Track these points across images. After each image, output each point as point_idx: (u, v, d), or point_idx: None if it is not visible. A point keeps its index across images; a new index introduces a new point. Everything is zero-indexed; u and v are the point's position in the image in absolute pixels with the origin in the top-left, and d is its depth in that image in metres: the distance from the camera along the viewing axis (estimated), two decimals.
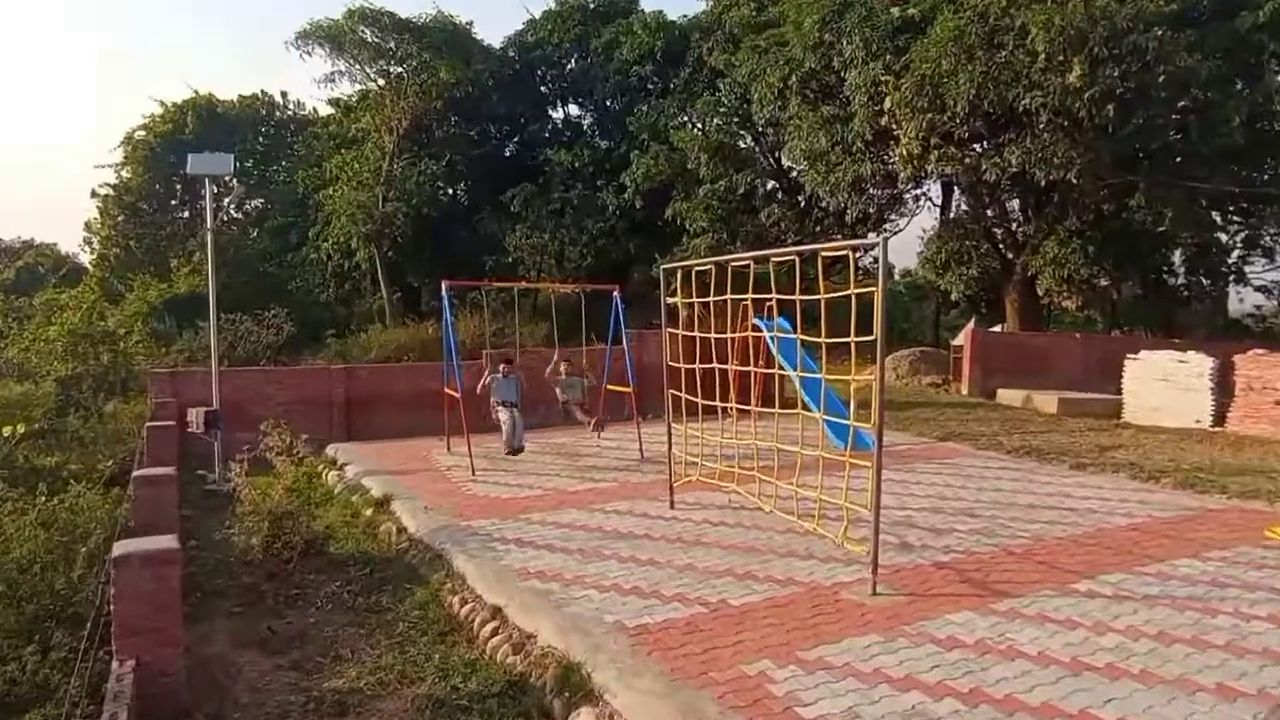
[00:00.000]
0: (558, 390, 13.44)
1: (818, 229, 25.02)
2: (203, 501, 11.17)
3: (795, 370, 11.64)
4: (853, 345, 6.99)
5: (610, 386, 14.33)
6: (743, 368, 9.03)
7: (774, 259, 7.77)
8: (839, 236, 25.38)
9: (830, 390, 13.93)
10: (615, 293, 13.52)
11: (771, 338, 13.00)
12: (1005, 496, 9.80)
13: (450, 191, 36.67)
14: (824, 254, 6.95)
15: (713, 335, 8.64)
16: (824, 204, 23.76)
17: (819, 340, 7.35)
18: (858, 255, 28.22)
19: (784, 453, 8.58)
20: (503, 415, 12.37)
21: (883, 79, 20.13)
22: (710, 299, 8.51)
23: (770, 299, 7.76)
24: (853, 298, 6.78)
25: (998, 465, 11.75)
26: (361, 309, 34.09)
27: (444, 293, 12.33)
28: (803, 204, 26.43)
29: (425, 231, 32.88)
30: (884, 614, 6.45)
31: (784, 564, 7.46)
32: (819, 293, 7.13)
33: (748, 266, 7.83)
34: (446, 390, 13.27)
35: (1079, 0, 17.49)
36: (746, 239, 25.38)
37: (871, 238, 25.53)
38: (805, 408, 11.43)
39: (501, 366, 12.73)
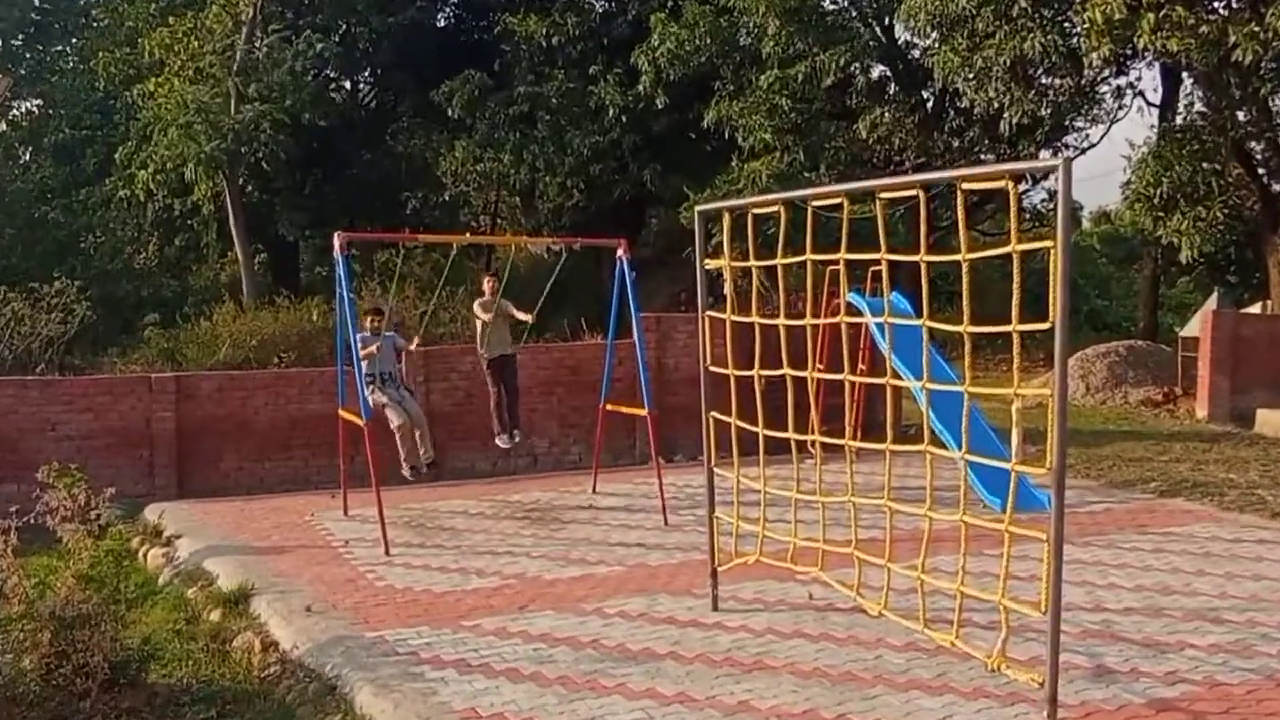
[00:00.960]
0: (482, 339, 14.28)
1: (954, 145, 24.98)
2: None
3: (919, 380, 11.59)
4: (1015, 338, 6.92)
5: (612, 406, 14.35)
6: (831, 375, 8.98)
7: (882, 194, 7.72)
8: (989, 157, 25.30)
9: (978, 412, 13.89)
10: (620, 251, 13.52)
11: (878, 325, 12.94)
12: (1271, 590, 9.71)
13: (348, 86, 36.98)
14: (965, 186, 6.90)
15: (780, 321, 8.59)
16: (964, 103, 23.66)
17: (957, 329, 7.29)
18: (1021, 188, 28.24)
19: (902, 517, 8.52)
20: (390, 414, 13.17)
21: None
22: (777, 261, 8.46)
23: (877, 260, 7.71)
24: (1014, 258, 6.72)
25: (1255, 537, 11.65)
26: (202, 280, 34.38)
27: (338, 253, 12.33)
28: (930, 103, 26.38)
29: (309, 152, 33.06)
30: None
31: (903, 702, 7.39)
32: (956, 250, 7.09)
33: (838, 208, 7.79)
34: (343, 414, 13.30)
35: None
36: (836, 162, 25.37)
37: (1045, 158, 25.40)
38: (936, 442, 11.38)
39: (368, 321, 13.56)
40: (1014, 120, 22.30)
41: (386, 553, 11.50)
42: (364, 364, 12.96)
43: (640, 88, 27.62)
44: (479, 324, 14.29)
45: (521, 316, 14.13)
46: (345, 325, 12.80)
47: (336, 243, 12.31)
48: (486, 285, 14.61)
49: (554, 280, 15.23)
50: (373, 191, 35.60)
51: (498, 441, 14.43)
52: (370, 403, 12.98)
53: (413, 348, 14.08)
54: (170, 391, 15.95)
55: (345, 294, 12.56)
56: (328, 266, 34.84)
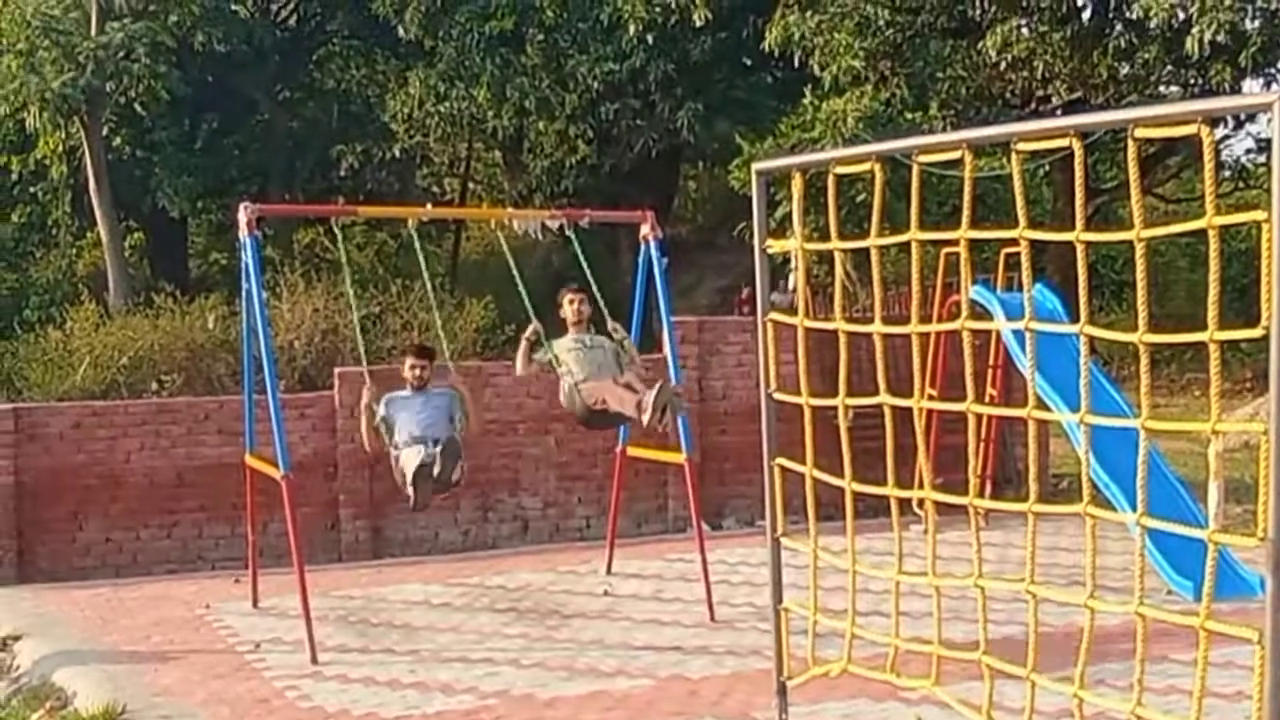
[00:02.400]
0: (573, 387, 12.49)
1: (1121, 72, 24.89)
2: None
3: (1074, 411, 11.55)
4: (1212, 350, 6.88)
5: (635, 450, 14.33)
6: (947, 405, 8.96)
7: (1021, 144, 7.69)
8: (1171, 90, 25.18)
9: (1159, 458, 13.82)
10: (645, 228, 13.52)
11: (1015, 334, 12.89)
12: None
13: None
14: (1140, 132, 6.88)
15: (876, 328, 8.57)
16: (1136, 11, 23.60)
17: (1129, 339, 7.26)
18: (1219, 134, 28.04)
19: (1051, 607, 8.48)
20: (406, 456, 11.91)
21: None
22: (870, 242, 8.45)
23: (1014, 240, 7.69)
24: (1210, 236, 6.69)
25: None
26: (51, 272, 34.44)
27: (243, 233, 12.36)
28: (1087, 12, 26.29)
29: (201, 90, 33.15)
30: None
31: None
32: (1126, 224, 7.08)
33: (957, 164, 7.78)
34: (251, 462, 13.31)
35: None
36: (953, 99, 25.30)
37: (1252, 92, 25.21)
38: (1099, 500, 11.34)
39: (407, 363, 12.56)
40: (1206, 37, 22.22)
41: (314, 660, 11.47)
42: (394, 429, 12.19)
43: None
44: (567, 379, 12.67)
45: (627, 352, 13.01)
46: (255, 324, 12.82)
47: (242, 218, 12.33)
48: (568, 307, 13.07)
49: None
50: (292, 145, 35.75)
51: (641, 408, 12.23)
52: (397, 466, 12.14)
53: (476, 425, 12.96)
54: (6, 430, 16.01)
55: (255, 291, 12.59)
56: (228, 252, 35.02)
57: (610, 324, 13.15)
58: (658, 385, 11.95)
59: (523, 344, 12.97)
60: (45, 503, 16.01)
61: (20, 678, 11.97)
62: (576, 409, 12.62)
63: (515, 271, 13.03)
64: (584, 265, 13.35)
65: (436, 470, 11.80)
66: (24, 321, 27.07)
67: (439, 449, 11.91)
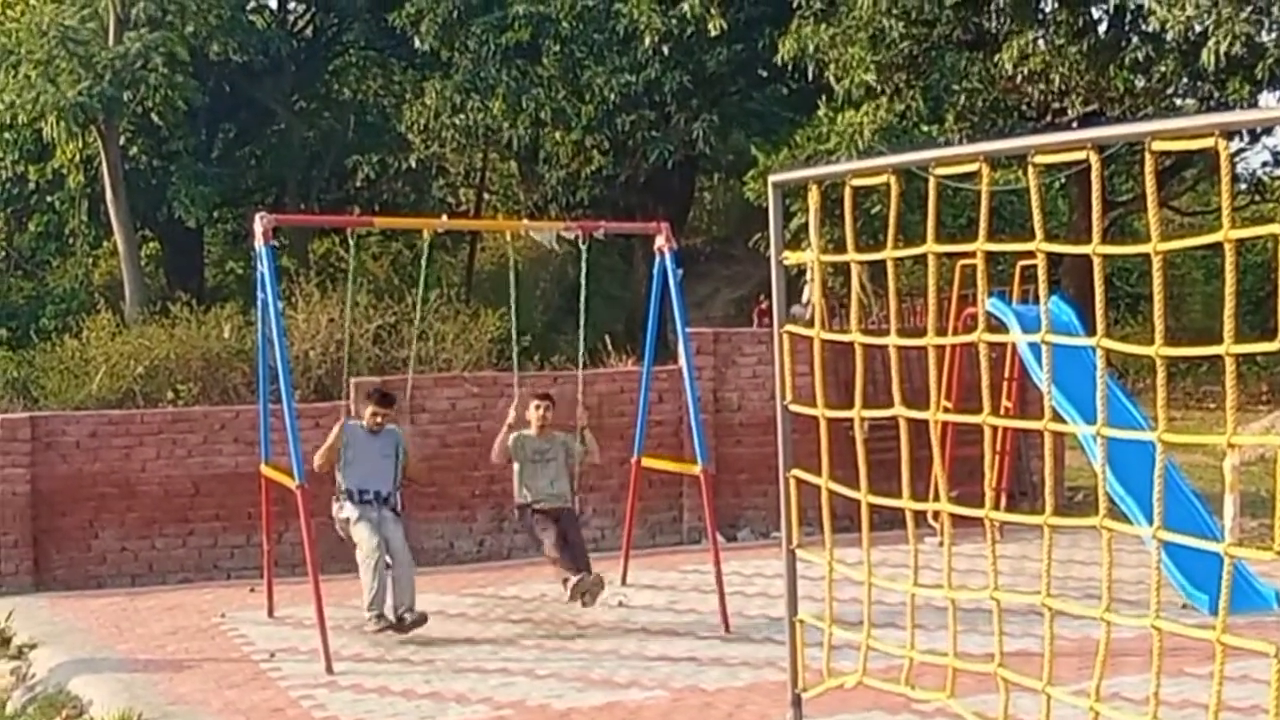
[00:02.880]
0: (520, 478, 13.50)
1: (1137, 85, 24.89)
2: None
3: (1090, 424, 11.56)
4: (1228, 363, 6.88)
5: (649, 461, 14.32)
6: (963, 418, 8.95)
7: (1037, 157, 7.70)
8: (1188, 103, 25.16)
9: (1175, 471, 13.78)
10: (661, 240, 13.52)
11: (1031, 346, 12.87)
12: None
13: (274, 6, 37.20)
14: (1156, 145, 6.88)
15: (892, 340, 8.58)
16: (1152, 25, 23.62)
17: (1145, 352, 7.26)
18: (1234, 147, 28.03)
19: (1066, 620, 8.47)
20: (360, 532, 12.47)
21: None
22: (886, 254, 8.46)
23: (1030, 252, 7.68)
24: (1226, 249, 6.69)
25: None
26: (68, 281, 34.53)
27: (259, 243, 12.39)
28: (1103, 25, 26.29)
29: (218, 100, 33.21)
30: None
31: None
32: (1142, 237, 7.07)
33: (973, 177, 7.79)
34: (267, 472, 13.33)
35: None
36: (969, 112, 25.29)
37: (1268, 104, 25.19)
38: (1115, 513, 11.32)
39: (369, 411, 12.98)
40: (1223, 50, 22.21)
41: (329, 670, 11.46)
42: (345, 464, 12.64)
43: (687, 5, 27.68)
44: (520, 479, 13.46)
45: (594, 455, 13.93)
46: (271, 334, 12.85)
47: (258, 228, 12.36)
48: (533, 412, 13.59)
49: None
50: (308, 155, 35.80)
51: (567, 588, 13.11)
52: (336, 518, 12.67)
53: (416, 464, 13.53)
54: (23, 439, 16.00)
55: (271, 300, 12.61)
56: (244, 261, 35.07)
57: (579, 411, 13.91)
58: (580, 576, 12.80)
59: (505, 427, 13.46)
60: (61, 511, 16.02)
61: (36, 685, 11.98)
62: (526, 523, 13.56)
63: (520, 287, 13.10)
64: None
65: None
66: (41, 330, 27.13)
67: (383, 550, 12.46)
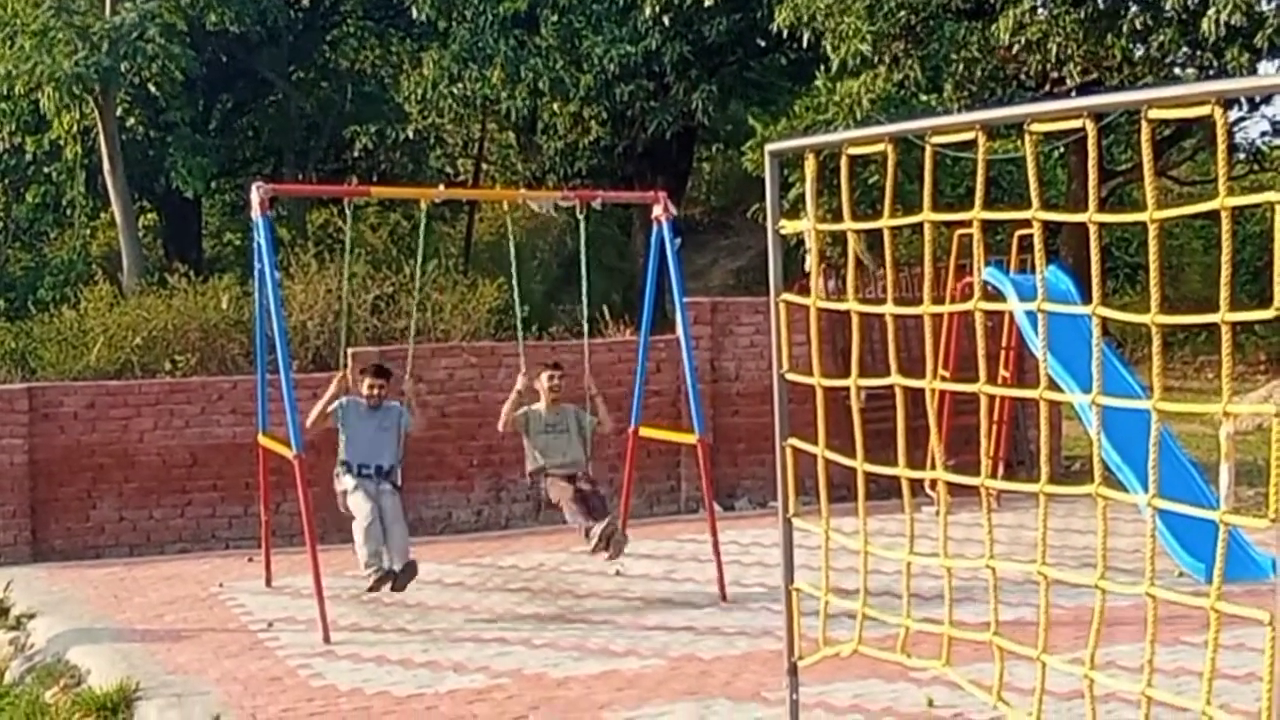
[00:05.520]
0: (533, 449, 13.53)
1: (1136, 54, 24.84)
2: None
3: (1086, 393, 11.56)
4: (1224, 331, 6.86)
5: (647, 431, 14.33)
6: (960, 386, 8.95)
7: (1035, 125, 7.68)
8: (1187, 72, 25.13)
9: (1171, 440, 13.80)
10: (658, 209, 13.51)
11: (1028, 315, 12.87)
12: None
13: None
14: (1154, 113, 6.87)
15: (888, 309, 8.56)
16: None
17: (1142, 320, 7.26)
18: (1233, 116, 27.99)
19: (1062, 589, 8.48)
20: (356, 500, 12.61)
21: None
22: (883, 223, 8.44)
23: (1027, 221, 7.67)
24: (1223, 217, 6.68)
25: None
26: (65, 252, 34.50)
27: (256, 213, 12.38)
28: None
29: (215, 71, 33.14)
30: None
31: None
32: (1140, 206, 7.06)
33: (970, 145, 7.77)
34: (264, 442, 13.34)
35: None
36: (967, 81, 25.25)
37: (1267, 73, 25.19)
38: (1111, 482, 11.34)
39: (366, 383, 13.04)
40: (1222, 19, 22.18)
41: (326, 639, 11.52)
42: (340, 442, 12.77)
43: None
44: (531, 447, 13.52)
45: (606, 424, 13.78)
46: (269, 305, 12.85)
47: (256, 198, 12.36)
48: (544, 382, 13.60)
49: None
50: (306, 126, 35.75)
51: (590, 546, 13.02)
52: (342, 499, 12.80)
53: (420, 425, 13.57)
54: (20, 410, 16.05)
55: (269, 271, 12.61)
56: (242, 232, 35.07)
57: (586, 379, 13.72)
58: (605, 521, 12.72)
59: (514, 395, 13.48)
60: (59, 481, 16.05)
61: (34, 655, 12.02)
62: (539, 488, 13.66)
63: (518, 257, 13.08)
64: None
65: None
66: (39, 301, 27.12)
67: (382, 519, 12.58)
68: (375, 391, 12.98)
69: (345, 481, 12.79)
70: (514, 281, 14.07)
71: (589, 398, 13.70)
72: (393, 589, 12.46)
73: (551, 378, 13.54)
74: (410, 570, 12.44)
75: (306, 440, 12.43)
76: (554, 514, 13.96)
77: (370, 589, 12.46)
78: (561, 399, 13.60)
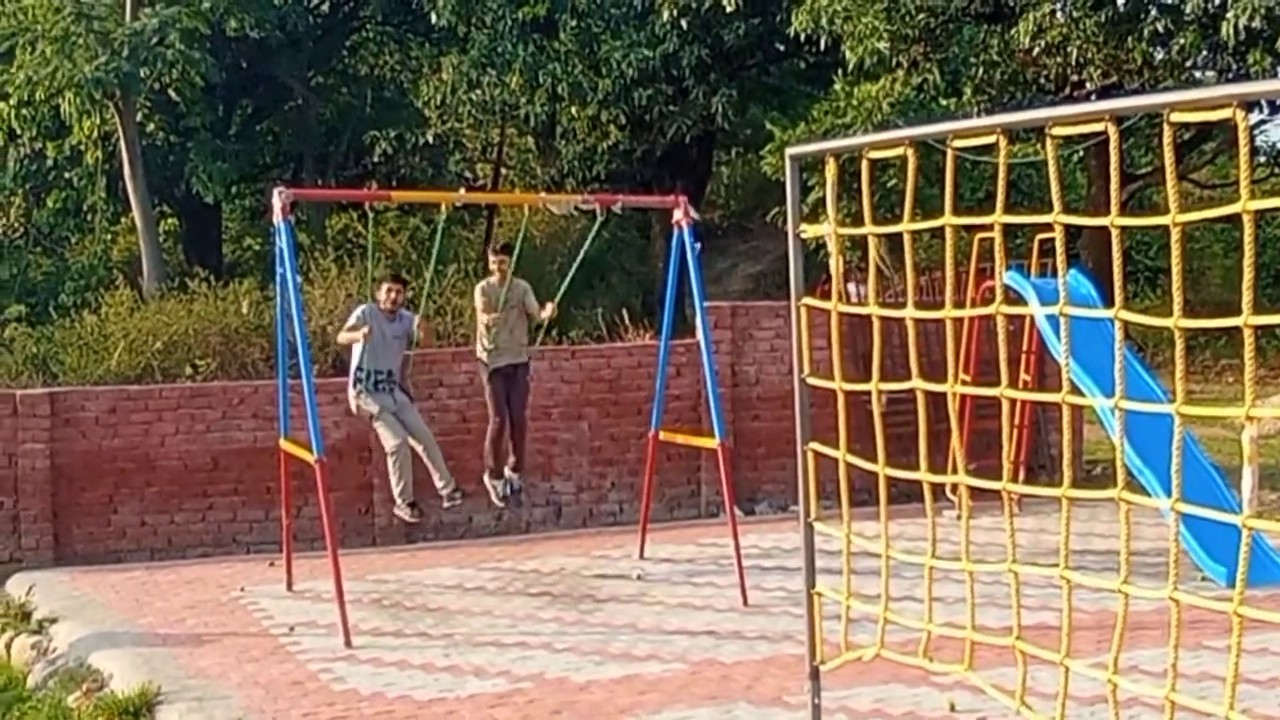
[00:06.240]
0: (484, 339, 14.45)
1: (1156, 57, 24.80)
2: None
3: (1108, 397, 11.54)
4: (1246, 335, 6.86)
5: (667, 435, 14.34)
6: (981, 390, 8.94)
7: (1055, 129, 7.67)
8: (1207, 75, 25.09)
9: (1194, 444, 13.77)
10: (678, 214, 13.53)
11: (1049, 319, 12.85)
12: None
13: None
14: (1175, 116, 6.86)
15: (909, 313, 8.57)
16: None
17: (1164, 324, 7.24)
18: (1254, 118, 27.93)
19: (1085, 593, 8.47)
20: (383, 428, 13.55)
21: None
22: (904, 226, 8.44)
23: (1048, 225, 7.66)
24: (1245, 221, 6.67)
25: None
26: (86, 257, 34.59)
27: (278, 218, 12.42)
28: (1121, 0, 26.20)
29: (236, 76, 33.22)
30: None
31: None
32: (1161, 209, 7.05)
33: (991, 149, 7.76)
34: (286, 447, 13.37)
35: None
36: (986, 84, 25.23)
37: None
38: (1134, 486, 11.32)
39: (385, 288, 13.95)
40: (1242, 22, 22.13)
41: (347, 644, 11.55)
42: (355, 352, 13.36)
43: None
44: (481, 319, 14.36)
45: (543, 314, 14.26)
46: (289, 309, 12.89)
47: (276, 203, 12.40)
48: (494, 264, 14.63)
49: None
50: (326, 131, 35.81)
51: (489, 485, 14.52)
52: (356, 408, 13.54)
53: (423, 330, 14.49)
54: (42, 414, 16.09)
55: (289, 275, 12.65)
56: (262, 237, 35.09)
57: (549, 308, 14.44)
58: (491, 479, 14.45)
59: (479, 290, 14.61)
60: (81, 486, 16.09)
61: (57, 660, 12.05)
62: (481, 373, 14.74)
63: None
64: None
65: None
66: (60, 306, 27.16)
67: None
68: (393, 295, 13.75)
69: (366, 400, 13.43)
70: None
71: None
72: (447, 501, 13.86)
73: (495, 259, 14.55)
74: (459, 495, 13.84)
75: (327, 445, 12.48)
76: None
77: (411, 519, 13.79)
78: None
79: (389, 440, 13.42)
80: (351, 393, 13.53)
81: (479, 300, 14.37)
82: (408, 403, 13.76)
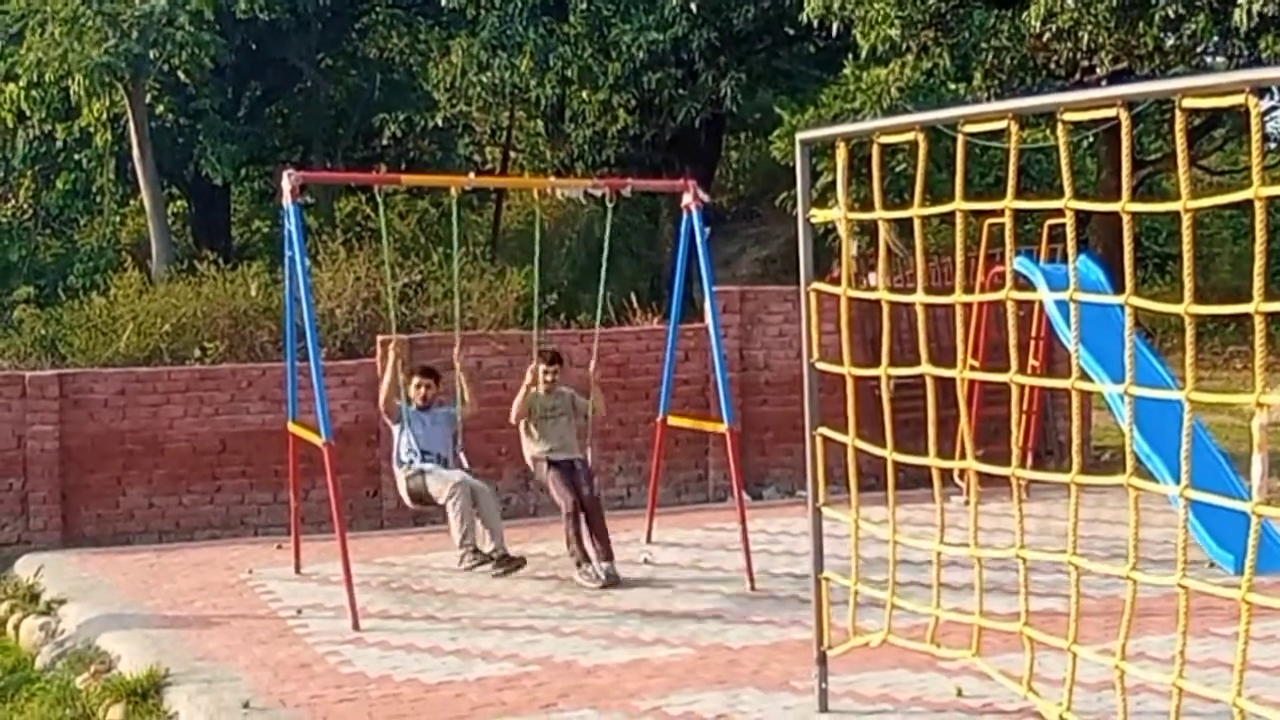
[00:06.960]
0: (531, 438, 13.73)
1: (1167, 43, 24.74)
2: None
3: (1117, 383, 11.54)
4: (1257, 321, 6.85)
5: (675, 420, 14.33)
6: (990, 376, 8.93)
7: (1066, 115, 7.66)
8: (1218, 61, 25.03)
9: (1203, 430, 13.75)
10: (688, 197, 13.51)
11: (1059, 305, 12.83)
12: None
13: None
14: (1187, 103, 6.84)
15: (918, 299, 8.57)
16: None
17: (1174, 310, 7.23)
18: (1266, 105, 27.83)
19: (1093, 579, 8.46)
20: (433, 482, 13.01)
21: None
22: (913, 212, 8.44)
23: (1058, 211, 7.65)
24: (1256, 207, 6.65)
25: None
26: (95, 239, 34.63)
27: (287, 200, 12.41)
28: None
29: (244, 58, 33.18)
30: None
31: None
32: (1171, 195, 7.03)
33: (1001, 135, 7.75)
34: (294, 429, 13.38)
35: None
36: (997, 70, 25.17)
37: None
38: (1142, 472, 11.31)
39: (415, 383, 13.43)
40: (1255, 8, 22.07)
41: (355, 626, 11.56)
42: (398, 440, 13.27)
43: None
44: (523, 421, 13.69)
45: (599, 406, 14.12)
46: (298, 294, 12.89)
47: (285, 186, 12.37)
48: (544, 374, 13.74)
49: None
50: (335, 113, 35.78)
51: (580, 578, 13.10)
52: (407, 491, 13.26)
53: (469, 411, 13.85)
54: (51, 396, 16.10)
55: (299, 258, 12.64)
56: (271, 219, 35.08)
57: (592, 365, 14.13)
58: (608, 565, 13.11)
59: (523, 391, 13.66)
60: (89, 468, 16.11)
61: (65, 641, 12.07)
62: (535, 471, 13.92)
63: (546, 245, 13.13)
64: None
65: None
66: (69, 288, 27.19)
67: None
68: (423, 391, 13.44)
69: (413, 468, 13.15)
70: (535, 271, 14.22)
71: (593, 384, 13.91)
72: (496, 567, 13.02)
73: (546, 372, 13.71)
74: (518, 563, 13.09)
75: (335, 428, 12.48)
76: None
77: (470, 567, 12.99)
78: (572, 384, 13.82)
79: (443, 485, 12.94)
80: (399, 476, 13.29)
81: (521, 407, 13.59)
82: (467, 470, 13.40)
